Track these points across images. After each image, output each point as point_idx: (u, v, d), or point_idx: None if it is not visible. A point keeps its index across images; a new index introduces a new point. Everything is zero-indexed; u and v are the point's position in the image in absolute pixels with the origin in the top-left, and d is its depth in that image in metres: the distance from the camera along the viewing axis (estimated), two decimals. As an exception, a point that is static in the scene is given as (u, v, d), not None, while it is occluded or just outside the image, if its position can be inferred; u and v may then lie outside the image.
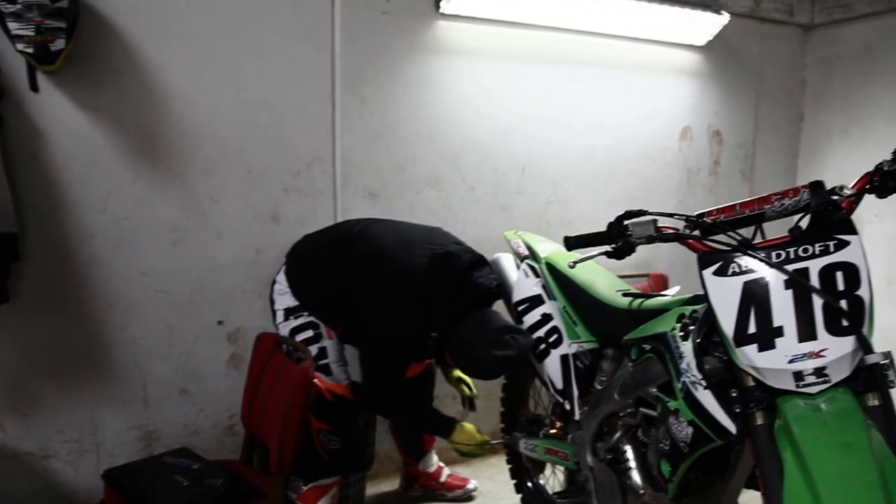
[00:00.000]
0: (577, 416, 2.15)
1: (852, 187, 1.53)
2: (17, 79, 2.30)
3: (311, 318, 2.40)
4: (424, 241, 2.34)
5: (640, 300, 1.96)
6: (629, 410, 1.89)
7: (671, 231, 1.62)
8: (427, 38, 2.97)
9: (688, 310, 1.65)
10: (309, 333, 2.39)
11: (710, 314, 1.51)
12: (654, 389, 1.71)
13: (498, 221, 3.22)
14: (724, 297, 1.47)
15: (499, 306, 2.42)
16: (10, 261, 2.28)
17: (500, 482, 2.92)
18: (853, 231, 1.46)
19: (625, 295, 2.07)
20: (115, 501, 1.99)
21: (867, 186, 1.54)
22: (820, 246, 1.44)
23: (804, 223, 1.52)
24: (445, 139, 3.08)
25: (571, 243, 1.70)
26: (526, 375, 2.58)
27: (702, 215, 1.60)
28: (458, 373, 2.63)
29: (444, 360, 2.62)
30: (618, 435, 1.93)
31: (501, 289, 2.42)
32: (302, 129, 2.78)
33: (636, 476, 1.82)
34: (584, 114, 3.40)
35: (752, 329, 1.41)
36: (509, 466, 2.68)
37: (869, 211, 3.60)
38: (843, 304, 1.38)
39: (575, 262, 1.80)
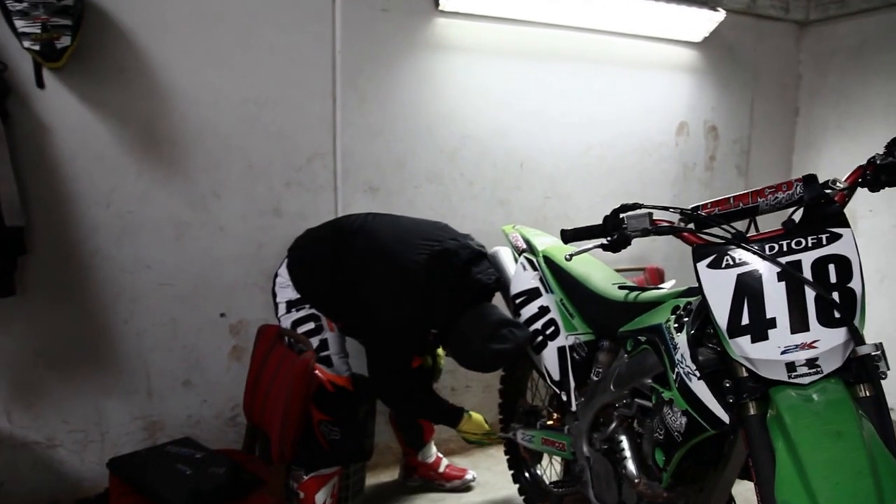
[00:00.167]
0: (573, 407, 2.18)
1: (845, 181, 1.54)
2: (23, 75, 2.32)
3: (313, 311, 2.42)
4: (423, 237, 2.35)
5: (635, 293, 1.98)
6: (625, 401, 1.90)
7: (666, 224, 1.63)
8: (426, 35, 2.99)
9: (682, 302, 1.66)
10: (310, 325, 2.41)
11: (704, 306, 1.51)
12: (649, 380, 1.73)
13: (496, 216, 3.23)
14: (718, 289, 1.47)
15: (497, 299, 2.45)
16: (17, 254, 2.31)
17: (497, 472, 2.96)
18: (846, 224, 1.46)
19: (621, 288, 2.08)
20: (120, 490, 2.00)
21: (860, 180, 1.54)
22: (813, 239, 1.44)
23: (797, 216, 1.53)
24: (444, 135, 3.09)
25: (568, 236, 1.71)
26: (524, 367, 2.60)
27: (696, 209, 1.60)
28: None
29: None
30: (613, 425, 1.94)
31: (500, 283, 2.43)
32: (303, 124, 2.80)
33: (631, 465, 1.83)
34: (581, 110, 3.41)
35: (745, 320, 1.42)
36: (507, 457, 2.72)
37: (863, 206, 3.63)
38: (836, 295, 1.38)
39: (571, 255, 1.81)
